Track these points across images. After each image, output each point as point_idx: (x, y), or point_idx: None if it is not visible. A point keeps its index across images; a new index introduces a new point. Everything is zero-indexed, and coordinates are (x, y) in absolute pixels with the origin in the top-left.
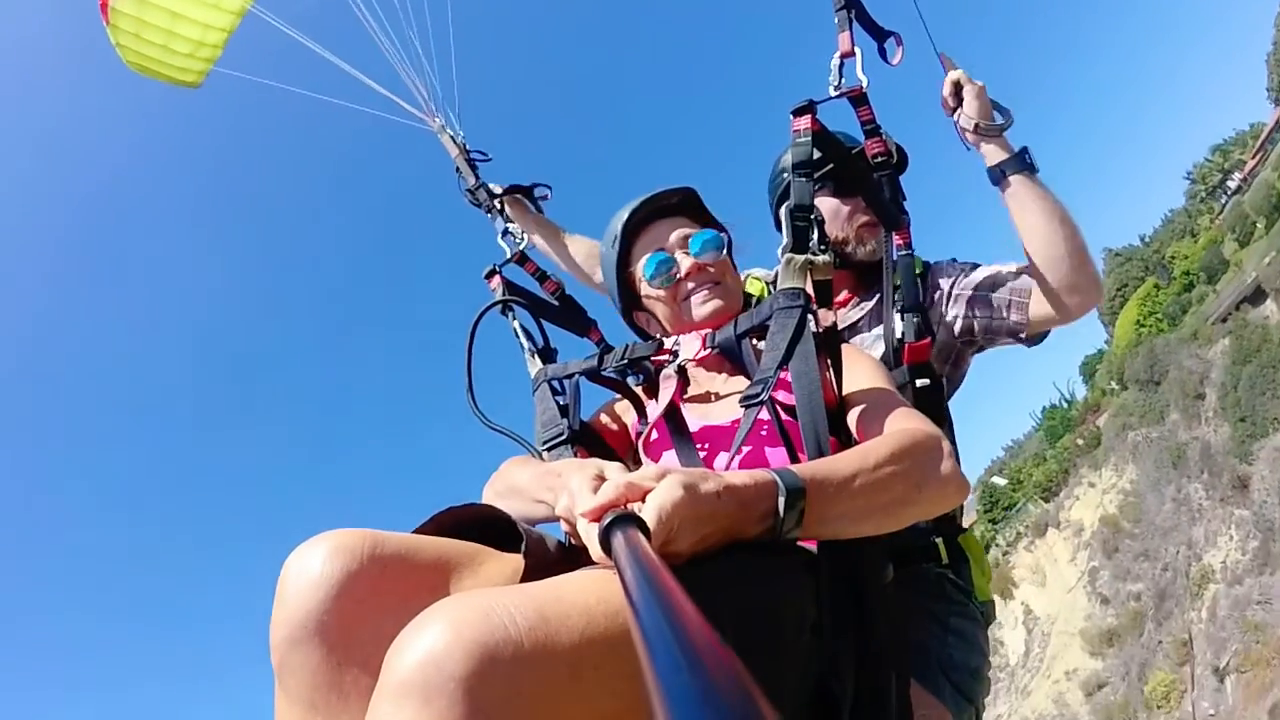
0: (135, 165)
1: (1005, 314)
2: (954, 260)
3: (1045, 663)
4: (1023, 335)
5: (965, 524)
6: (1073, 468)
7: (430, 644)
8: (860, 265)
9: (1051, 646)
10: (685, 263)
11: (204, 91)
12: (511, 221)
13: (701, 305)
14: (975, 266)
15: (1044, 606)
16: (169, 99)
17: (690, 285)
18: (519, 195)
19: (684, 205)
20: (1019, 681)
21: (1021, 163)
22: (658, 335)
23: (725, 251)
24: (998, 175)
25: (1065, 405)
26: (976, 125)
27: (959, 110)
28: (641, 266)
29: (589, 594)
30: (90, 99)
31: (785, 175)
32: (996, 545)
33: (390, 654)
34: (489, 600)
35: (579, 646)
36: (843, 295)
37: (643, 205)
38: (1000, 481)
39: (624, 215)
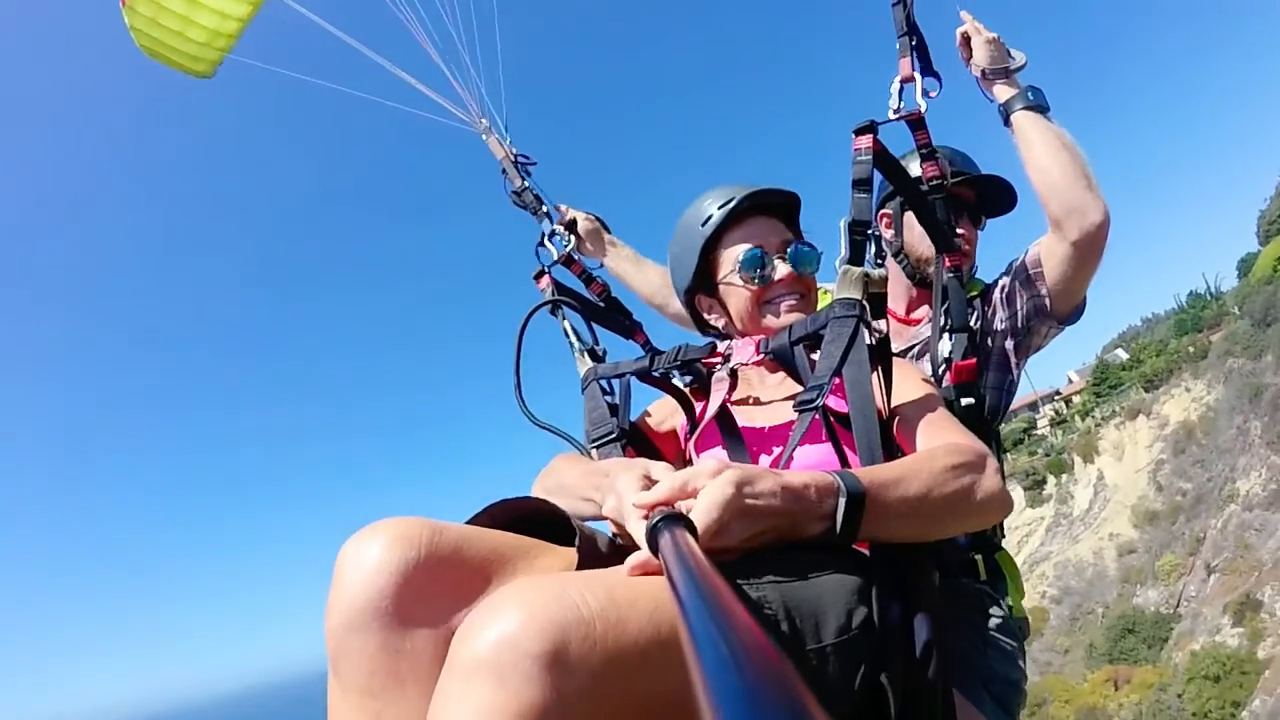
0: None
1: (1030, 291)
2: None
3: (1098, 523)
4: (1051, 307)
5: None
6: (1178, 369)
7: (505, 624)
8: (930, 284)
9: (1107, 511)
10: (782, 269)
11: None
12: (564, 224)
13: (785, 315)
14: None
15: (1113, 477)
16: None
17: (780, 292)
18: (593, 217)
19: (784, 209)
20: (1074, 531)
21: (1025, 99)
22: (718, 324)
23: (818, 268)
24: (1004, 113)
25: (1210, 298)
26: (984, 70)
27: (970, 60)
28: (737, 256)
29: (656, 580)
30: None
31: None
32: (1093, 416)
33: (462, 633)
34: (561, 582)
35: (647, 629)
36: (921, 312)
37: (750, 196)
38: (1123, 355)
39: (728, 200)
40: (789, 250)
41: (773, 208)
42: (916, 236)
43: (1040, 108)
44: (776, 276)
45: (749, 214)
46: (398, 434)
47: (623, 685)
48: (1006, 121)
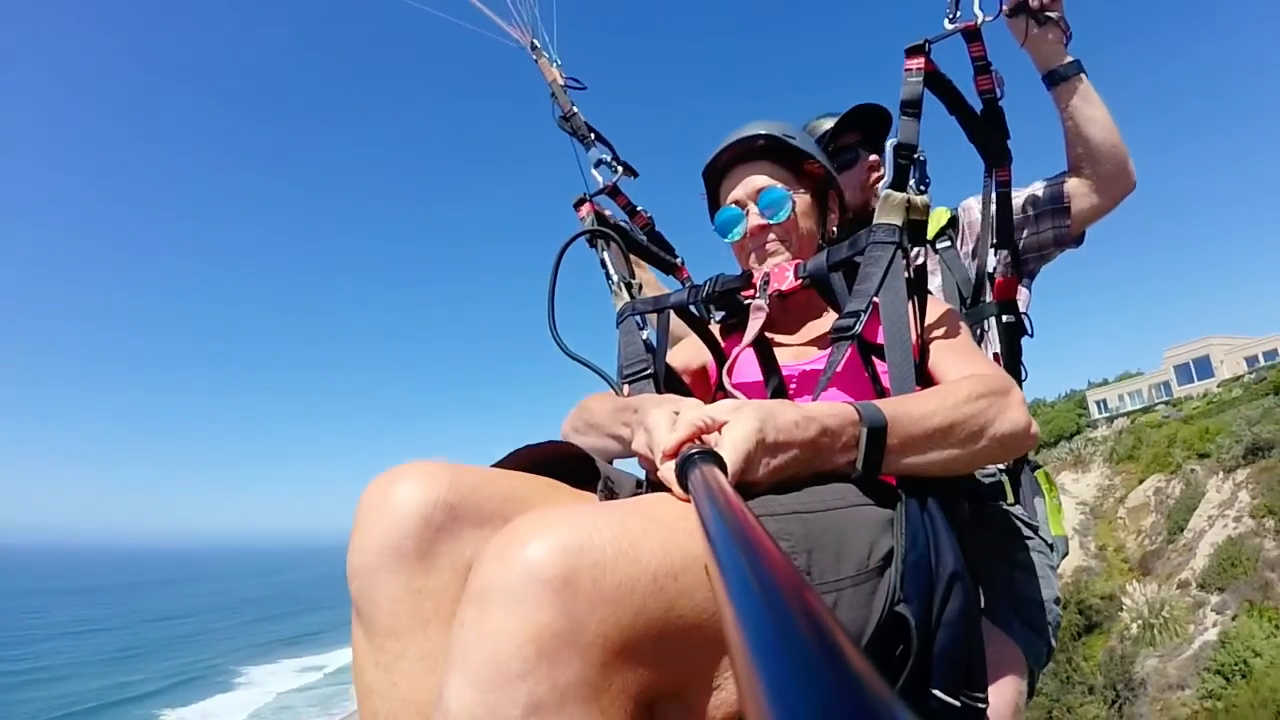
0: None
1: (1049, 223)
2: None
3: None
4: (1070, 235)
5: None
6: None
7: (518, 550)
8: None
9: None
10: (752, 220)
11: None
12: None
13: (760, 264)
14: (1019, 191)
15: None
16: None
17: (754, 244)
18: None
19: (769, 150)
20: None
21: (1083, 67)
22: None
23: (793, 210)
24: (1071, 70)
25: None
26: (1059, 16)
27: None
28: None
29: (670, 510)
30: None
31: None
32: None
33: (477, 562)
34: (574, 511)
35: (660, 556)
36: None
37: (722, 153)
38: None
39: (706, 164)
40: (759, 198)
41: (758, 152)
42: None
43: (1086, 74)
44: (745, 230)
45: (733, 165)
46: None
47: (634, 610)
48: (1063, 78)
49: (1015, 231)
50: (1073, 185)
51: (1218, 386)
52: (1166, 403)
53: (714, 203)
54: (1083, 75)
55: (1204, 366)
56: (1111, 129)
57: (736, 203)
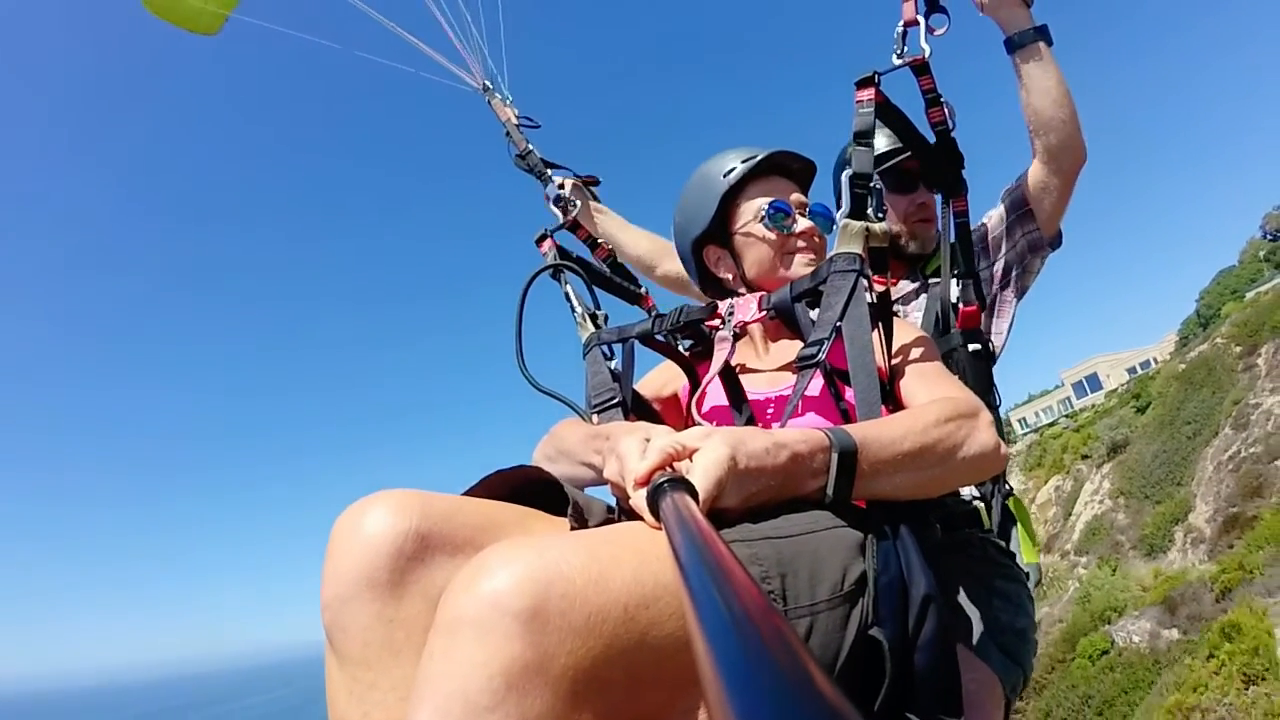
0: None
1: (1025, 227)
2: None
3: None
4: (1044, 238)
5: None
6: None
7: (486, 582)
8: (909, 257)
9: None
10: (803, 223)
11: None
12: (563, 188)
13: (803, 266)
14: (990, 211)
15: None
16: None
17: (800, 244)
18: (581, 181)
19: (801, 174)
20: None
21: (1046, 34)
22: (725, 275)
23: (830, 232)
24: (1028, 37)
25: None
26: None
27: None
28: (761, 207)
29: (641, 538)
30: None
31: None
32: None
33: (446, 593)
34: (542, 542)
35: (631, 585)
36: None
37: (773, 155)
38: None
39: (755, 154)
40: (808, 209)
41: (791, 171)
42: (888, 210)
43: (1050, 42)
44: (797, 229)
45: (769, 172)
46: (402, 417)
47: (605, 641)
48: (1021, 44)
49: (996, 250)
50: (1029, 179)
51: (1105, 397)
52: (1067, 415)
53: (732, 196)
54: (1041, 43)
55: (1094, 381)
56: (1062, 101)
57: (783, 200)
